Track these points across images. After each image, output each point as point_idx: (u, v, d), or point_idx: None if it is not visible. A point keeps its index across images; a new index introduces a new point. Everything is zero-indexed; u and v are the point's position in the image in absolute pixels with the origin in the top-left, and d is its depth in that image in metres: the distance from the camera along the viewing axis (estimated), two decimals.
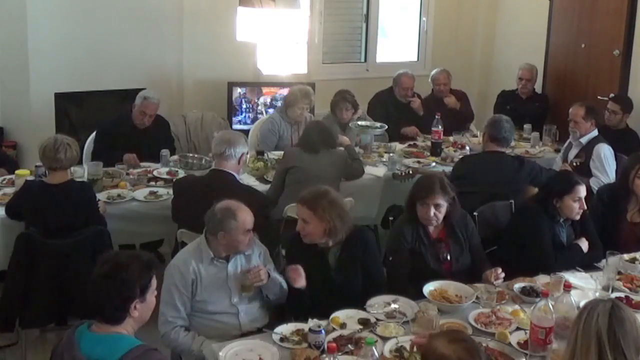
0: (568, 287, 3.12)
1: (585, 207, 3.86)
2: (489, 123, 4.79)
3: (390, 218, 4.08)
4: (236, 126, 6.36)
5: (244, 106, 6.49)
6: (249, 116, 6.51)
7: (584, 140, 5.20)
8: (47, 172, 4.07)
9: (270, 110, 6.28)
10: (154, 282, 2.46)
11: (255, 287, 3.27)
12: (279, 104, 6.13)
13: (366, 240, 3.50)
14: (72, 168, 4.18)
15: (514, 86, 6.69)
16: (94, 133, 5.29)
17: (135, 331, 2.44)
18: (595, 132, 5.21)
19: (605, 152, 5.06)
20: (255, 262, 3.34)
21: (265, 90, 6.54)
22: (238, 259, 3.31)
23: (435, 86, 6.51)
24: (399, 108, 6.27)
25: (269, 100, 6.50)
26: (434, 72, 6.59)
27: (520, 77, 6.55)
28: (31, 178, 4.35)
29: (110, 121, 5.32)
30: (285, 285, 3.38)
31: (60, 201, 3.94)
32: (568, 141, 5.38)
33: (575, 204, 3.81)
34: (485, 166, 4.63)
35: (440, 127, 5.52)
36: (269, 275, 3.28)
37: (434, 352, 2.24)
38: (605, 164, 5.03)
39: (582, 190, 3.82)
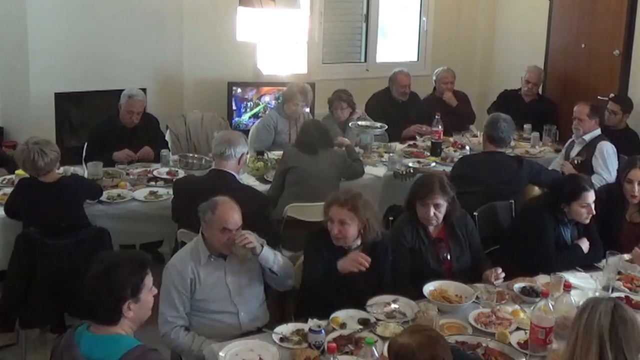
0: (568, 287, 3.13)
1: (594, 212, 3.85)
2: (487, 123, 4.79)
3: (390, 218, 4.08)
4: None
5: (243, 105, 6.49)
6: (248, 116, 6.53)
7: (587, 137, 5.20)
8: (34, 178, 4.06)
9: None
10: (147, 281, 2.43)
11: (249, 253, 3.20)
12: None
13: (386, 246, 3.50)
14: (62, 168, 4.19)
15: (514, 86, 6.69)
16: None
17: (133, 331, 2.43)
18: (598, 131, 5.21)
19: (608, 150, 5.06)
20: (252, 259, 3.30)
21: (264, 89, 6.54)
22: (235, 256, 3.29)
23: (442, 84, 6.48)
24: (396, 107, 6.26)
25: (271, 100, 6.49)
26: (439, 70, 6.56)
27: (528, 79, 6.44)
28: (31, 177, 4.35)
29: (98, 124, 5.31)
30: (288, 262, 3.37)
31: (55, 198, 3.96)
32: (571, 139, 5.38)
33: (584, 210, 3.81)
34: (485, 166, 4.62)
35: (440, 127, 5.52)
36: (262, 247, 3.25)
37: (395, 344, 2.29)
38: (608, 161, 5.03)
39: (590, 197, 3.81)
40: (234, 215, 3.21)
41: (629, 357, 2.28)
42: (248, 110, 6.51)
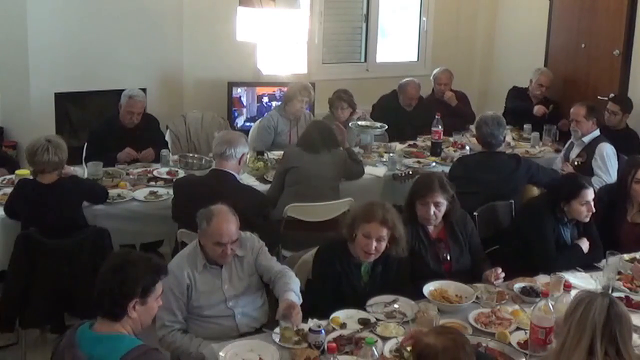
0: (568, 287, 3.13)
1: (594, 210, 3.85)
2: (475, 127, 4.80)
3: None
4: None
5: (245, 102, 6.49)
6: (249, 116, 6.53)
7: (586, 139, 5.20)
8: (36, 174, 4.06)
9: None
10: (158, 287, 2.45)
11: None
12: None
13: (399, 258, 3.45)
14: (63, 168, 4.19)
15: (512, 86, 6.69)
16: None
17: (135, 333, 2.43)
18: (597, 132, 5.22)
19: (607, 151, 5.07)
20: (249, 264, 3.30)
21: (259, 90, 6.53)
22: (232, 263, 3.27)
23: (437, 85, 6.49)
24: (401, 114, 6.24)
25: (270, 101, 6.49)
26: (436, 70, 6.57)
27: (542, 83, 6.40)
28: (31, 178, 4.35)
29: (98, 124, 5.31)
30: (297, 283, 3.32)
31: (52, 199, 3.96)
32: (570, 141, 5.38)
33: (583, 208, 3.81)
34: (482, 166, 4.62)
35: (440, 127, 5.52)
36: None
37: (420, 343, 2.29)
38: (608, 163, 5.04)
39: (589, 194, 3.81)
40: (228, 228, 3.15)
41: (622, 348, 2.32)
42: (244, 114, 6.51)
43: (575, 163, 5.14)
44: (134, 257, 2.44)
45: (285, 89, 5.81)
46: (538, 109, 6.30)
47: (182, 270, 3.20)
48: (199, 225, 3.21)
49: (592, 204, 3.83)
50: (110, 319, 2.38)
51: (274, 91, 6.49)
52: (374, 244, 3.28)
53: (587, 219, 3.87)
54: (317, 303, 3.29)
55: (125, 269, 2.38)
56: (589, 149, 5.15)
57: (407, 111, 6.26)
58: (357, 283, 3.38)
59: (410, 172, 4.97)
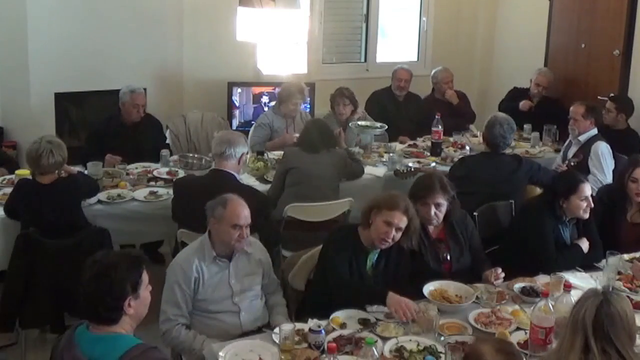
0: (568, 287, 3.13)
1: (593, 205, 3.86)
2: (486, 126, 4.80)
3: None
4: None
5: (239, 103, 6.49)
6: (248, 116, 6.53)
7: (582, 138, 5.20)
8: (35, 175, 4.06)
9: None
10: (144, 277, 2.43)
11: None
12: None
13: (399, 256, 3.47)
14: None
15: (512, 87, 6.69)
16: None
17: (133, 329, 2.43)
18: (594, 131, 5.22)
19: (602, 150, 5.07)
20: (255, 263, 3.33)
21: (258, 89, 6.53)
22: (239, 258, 3.30)
23: (443, 84, 6.48)
24: (396, 105, 6.28)
25: (269, 102, 6.49)
26: (437, 71, 6.55)
27: (539, 83, 6.40)
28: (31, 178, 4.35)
29: (98, 124, 5.32)
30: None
31: (51, 199, 3.96)
32: (568, 140, 5.39)
33: (583, 203, 3.82)
34: (484, 167, 4.62)
35: (440, 127, 5.52)
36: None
37: (477, 356, 2.21)
38: (603, 161, 5.04)
39: (587, 189, 3.83)
40: (244, 211, 3.23)
41: (621, 349, 2.30)
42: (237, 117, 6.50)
43: (572, 164, 5.14)
44: (113, 259, 2.39)
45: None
46: (523, 104, 6.31)
47: (190, 263, 3.21)
48: (211, 214, 3.23)
49: (591, 199, 3.83)
50: (108, 324, 2.36)
51: (273, 89, 6.47)
52: (394, 232, 3.29)
53: (587, 215, 3.87)
54: (328, 288, 3.28)
55: (109, 275, 2.33)
56: (585, 148, 5.15)
57: (401, 101, 6.28)
58: (363, 271, 3.39)
59: (412, 169, 4.97)
